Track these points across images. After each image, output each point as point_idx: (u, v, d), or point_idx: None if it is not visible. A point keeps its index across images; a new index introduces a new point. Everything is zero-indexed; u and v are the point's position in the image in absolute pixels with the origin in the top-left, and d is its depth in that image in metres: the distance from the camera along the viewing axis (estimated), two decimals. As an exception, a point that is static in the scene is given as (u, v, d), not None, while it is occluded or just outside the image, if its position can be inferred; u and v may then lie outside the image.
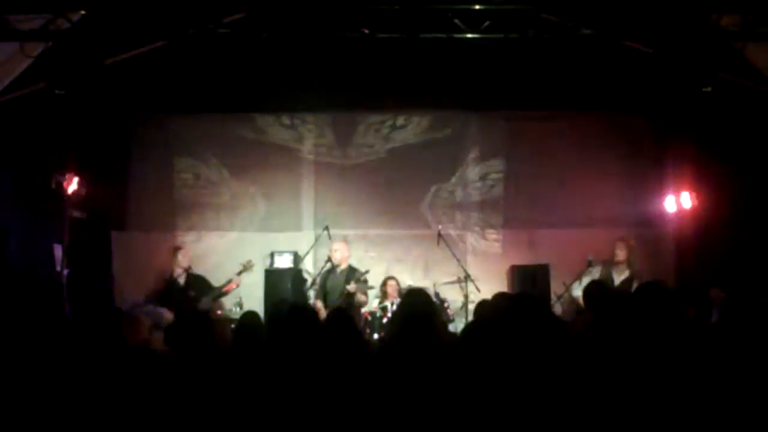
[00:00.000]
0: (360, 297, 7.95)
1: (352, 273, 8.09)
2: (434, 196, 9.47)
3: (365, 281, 8.05)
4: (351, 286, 7.84)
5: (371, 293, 8.26)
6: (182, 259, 8.02)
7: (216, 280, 8.13)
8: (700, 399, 2.74)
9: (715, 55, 7.06)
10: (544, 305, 3.58)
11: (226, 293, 8.05)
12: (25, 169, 7.87)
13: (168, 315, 7.09)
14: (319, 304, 7.90)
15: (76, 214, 8.36)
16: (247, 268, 8.08)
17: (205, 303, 7.62)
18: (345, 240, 8.57)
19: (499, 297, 4.70)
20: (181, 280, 7.95)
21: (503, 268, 9.12)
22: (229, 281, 8.03)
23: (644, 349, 2.92)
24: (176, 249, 8.22)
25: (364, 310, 7.99)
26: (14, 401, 3.19)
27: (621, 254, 7.62)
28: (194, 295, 7.62)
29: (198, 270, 8.25)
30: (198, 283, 7.88)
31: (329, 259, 8.16)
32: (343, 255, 8.21)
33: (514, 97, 8.92)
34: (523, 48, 7.70)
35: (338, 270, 8.16)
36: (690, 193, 8.40)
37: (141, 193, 9.34)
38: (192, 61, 8.29)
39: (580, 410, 2.59)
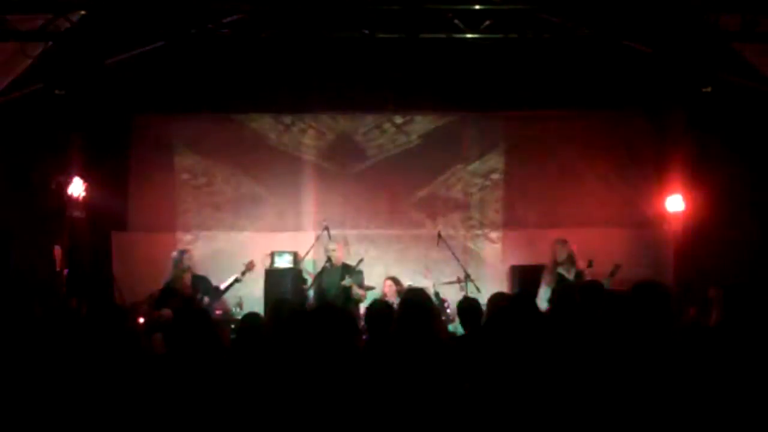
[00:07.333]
0: (356, 291, 7.96)
1: (346, 269, 8.12)
2: (434, 196, 9.47)
3: (359, 272, 8.11)
4: (346, 281, 7.90)
5: (372, 293, 8.25)
6: (186, 261, 7.83)
7: (217, 280, 8.09)
8: (701, 398, 2.74)
9: (715, 55, 7.07)
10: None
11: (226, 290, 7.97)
12: (25, 170, 7.87)
13: (168, 315, 7.08)
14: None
15: (76, 214, 8.36)
16: (249, 269, 8.04)
17: (207, 304, 7.58)
18: (342, 240, 8.63)
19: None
20: (186, 281, 7.84)
21: (503, 268, 9.14)
22: (233, 282, 7.93)
23: (641, 349, 2.93)
24: (181, 252, 8.03)
25: (362, 307, 7.98)
26: (15, 402, 3.19)
27: (563, 254, 7.55)
28: (199, 297, 7.56)
29: (198, 270, 8.18)
30: (202, 284, 7.80)
31: (329, 259, 8.17)
32: (340, 254, 8.30)
33: (514, 97, 8.92)
34: (523, 48, 7.72)
35: (333, 268, 8.18)
36: (689, 193, 8.41)
37: (141, 193, 9.35)
38: (192, 61, 8.29)
39: (580, 409, 2.60)
